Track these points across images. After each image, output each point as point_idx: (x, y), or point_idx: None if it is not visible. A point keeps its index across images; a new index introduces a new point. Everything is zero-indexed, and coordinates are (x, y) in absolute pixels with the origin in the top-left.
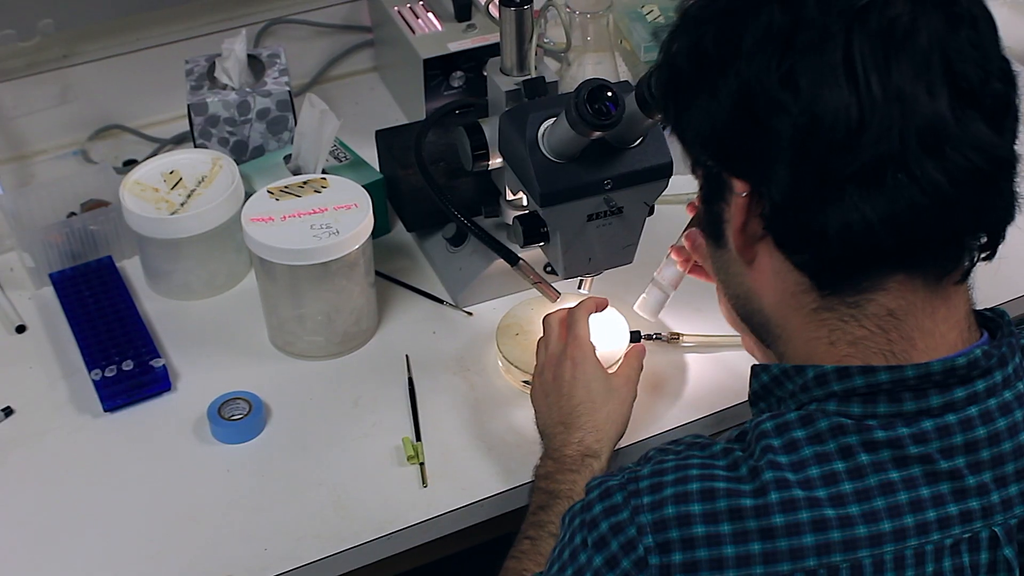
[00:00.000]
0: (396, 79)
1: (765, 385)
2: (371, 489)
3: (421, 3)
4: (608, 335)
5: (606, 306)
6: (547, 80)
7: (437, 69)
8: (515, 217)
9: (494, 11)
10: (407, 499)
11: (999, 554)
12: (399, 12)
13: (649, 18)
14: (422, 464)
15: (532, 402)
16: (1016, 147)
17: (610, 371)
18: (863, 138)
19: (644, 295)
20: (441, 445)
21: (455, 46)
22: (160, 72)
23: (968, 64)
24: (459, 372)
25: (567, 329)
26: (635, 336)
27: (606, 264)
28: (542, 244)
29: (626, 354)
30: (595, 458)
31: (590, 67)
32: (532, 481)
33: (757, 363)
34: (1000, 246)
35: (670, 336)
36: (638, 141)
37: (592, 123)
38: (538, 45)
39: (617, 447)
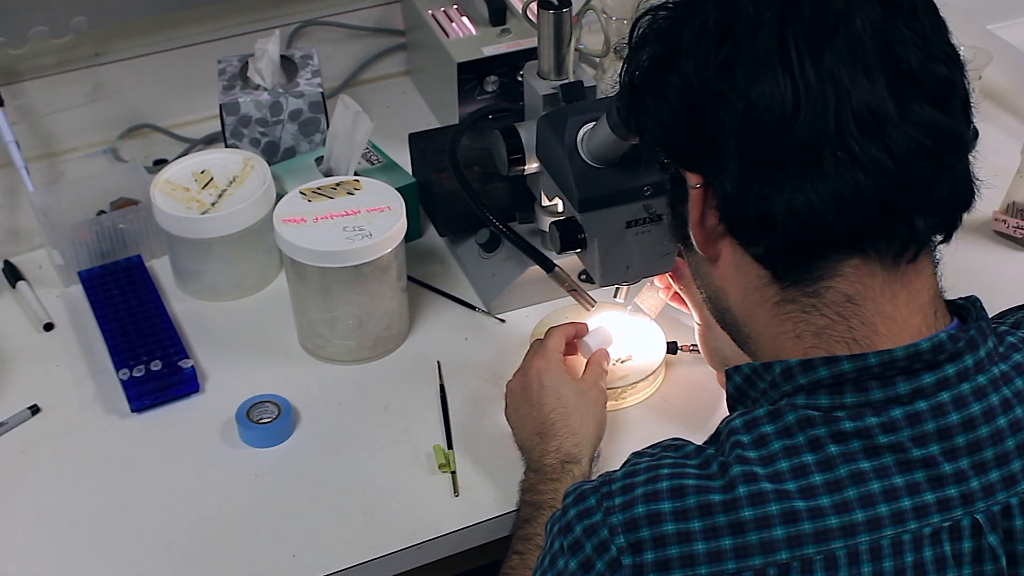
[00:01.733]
0: (429, 83)
1: (739, 387)
2: (402, 497)
3: (455, 7)
4: (644, 346)
5: (586, 332)
6: (585, 84)
7: (471, 73)
8: (552, 223)
9: (532, 15)
10: (438, 508)
11: (983, 542)
12: (433, 15)
13: None
14: (454, 472)
15: (507, 420)
16: (967, 127)
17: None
18: (798, 119)
19: (644, 291)
20: (473, 454)
21: (489, 50)
22: (192, 71)
23: (907, 48)
24: (491, 380)
25: (539, 343)
26: (672, 347)
27: (644, 272)
28: (579, 251)
29: (588, 360)
30: (575, 463)
31: None
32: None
33: (730, 367)
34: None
35: None
36: None
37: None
38: (575, 49)
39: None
